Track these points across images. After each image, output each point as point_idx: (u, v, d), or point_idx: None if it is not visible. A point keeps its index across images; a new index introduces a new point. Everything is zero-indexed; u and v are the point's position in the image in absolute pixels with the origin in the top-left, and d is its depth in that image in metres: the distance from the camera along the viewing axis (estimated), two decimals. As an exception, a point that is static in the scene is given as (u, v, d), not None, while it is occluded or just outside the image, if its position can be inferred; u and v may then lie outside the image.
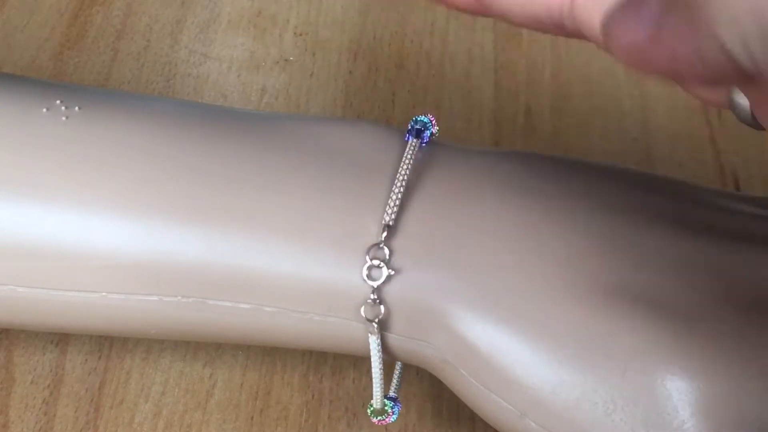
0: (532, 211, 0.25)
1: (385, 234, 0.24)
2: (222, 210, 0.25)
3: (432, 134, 0.27)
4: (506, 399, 0.24)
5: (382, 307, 0.24)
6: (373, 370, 0.26)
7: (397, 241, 0.25)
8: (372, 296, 0.24)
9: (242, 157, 0.25)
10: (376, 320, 0.25)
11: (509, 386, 0.23)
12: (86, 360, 0.31)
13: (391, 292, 0.25)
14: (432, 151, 0.27)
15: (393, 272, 0.24)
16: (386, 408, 0.27)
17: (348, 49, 0.40)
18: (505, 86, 0.39)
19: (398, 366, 0.28)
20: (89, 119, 0.26)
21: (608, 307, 0.23)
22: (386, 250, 0.24)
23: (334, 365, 0.31)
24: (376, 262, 0.24)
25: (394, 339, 0.25)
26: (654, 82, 0.38)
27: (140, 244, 0.25)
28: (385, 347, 0.25)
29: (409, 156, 0.25)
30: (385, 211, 0.24)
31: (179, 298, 0.25)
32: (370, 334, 0.25)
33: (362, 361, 0.30)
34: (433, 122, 0.27)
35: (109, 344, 0.31)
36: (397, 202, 0.24)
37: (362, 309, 0.25)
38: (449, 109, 0.38)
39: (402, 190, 0.25)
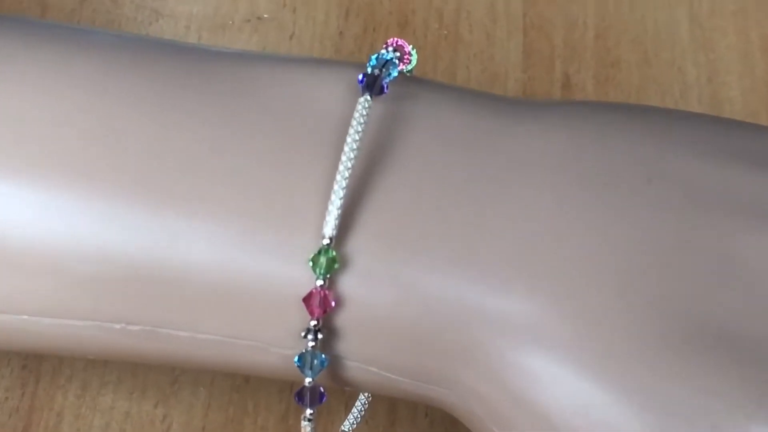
0: (592, 205, 0.24)
1: (330, 233, 0.23)
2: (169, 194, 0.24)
3: (405, 67, 0.26)
4: None
5: (319, 336, 0.24)
6: None
7: (357, 239, 0.24)
8: (312, 323, 0.24)
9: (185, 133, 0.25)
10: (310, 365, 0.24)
11: None
12: (6, 398, 0.31)
13: (365, 311, 0.24)
14: (412, 95, 0.26)
15: (354, 286, 0.24)
16: None
17: (338, 3, 0.40)
18: (537, 51, 0.39)
19: (362, 398, 0.28)
20: None
21: (697, 353, 0.23)
22: (332, 257, 0.23)
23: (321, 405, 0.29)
24: (323, 274, 0.24)
25: (392, 380, 0.25)
26: (729, 45, 0.38)
27: (62, 246, 0.24)
28: (381, 388, 0.25)
29: (358, 119, 0.24)
30: (330, 198, 0.23)
31: (123, 324, 0.25)
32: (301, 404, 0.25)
33: (355, 397, 0.30)
34: (406, 52, 0.26)
35: (35, 378, 0.31)
36: (344, 185, 0.23)
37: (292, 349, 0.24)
38: (466, 81, 0.38)
39: (350, 167, 0.24)
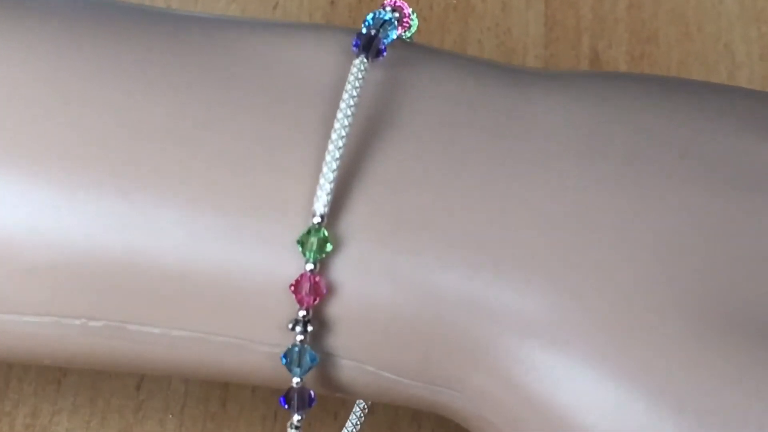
0: (619, 185, 0.24)
1: (321, 210, 0.23)
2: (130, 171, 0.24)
3: (404, 33, 0.26)
4: None
5: (308, 329, 0.23)
6: None
7: (351, 220, 0.23)
8: (301, 313, 0.23)
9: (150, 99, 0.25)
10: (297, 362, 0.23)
11: None
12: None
13: (361, 305, 0.23)
14: (413, 62, 0.25)
15: (348, 273, 0.23)
16: None
17: (330, -32, 0.40)
18: (560, 23, 0.38)
19: (358, 406, 0.28)
20: None
21: (737, 349, 0.23)
22: (324, 237, 0.23)
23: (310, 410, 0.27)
24: (314, 257, 0.23)
25: (391, 380, 0.24)
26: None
27: (16, 232, 0.24)
28: (380, 392, 0.25)
29: (353, 83, 0.24)
30: (321, 172, 0.23)
31: (84, 320, 0.24)
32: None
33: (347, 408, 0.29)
34: (406, 14, 0.26)
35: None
36: (336, 155, 0.23)
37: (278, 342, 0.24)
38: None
39: (344, 136, 0.23)
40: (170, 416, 0.30)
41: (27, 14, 0.26)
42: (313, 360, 0.23)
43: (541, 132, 0.25)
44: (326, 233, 0.23)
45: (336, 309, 0.23)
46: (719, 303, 0.23)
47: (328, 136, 0.23)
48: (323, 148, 0.23)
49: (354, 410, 0.28)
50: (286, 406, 0.24)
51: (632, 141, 0.25)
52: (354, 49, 0.24)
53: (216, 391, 0.31)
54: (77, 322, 0.24)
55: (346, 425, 0.28)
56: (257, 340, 0.24)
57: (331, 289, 0.23)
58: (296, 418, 0.24)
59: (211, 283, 0.24)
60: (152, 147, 0.24)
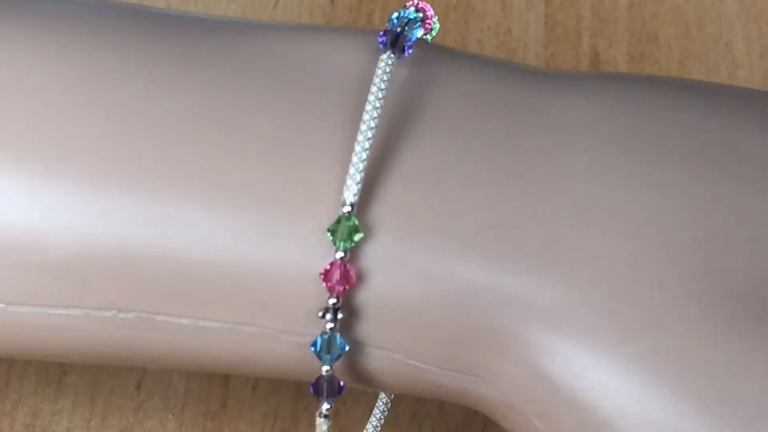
0: (642, 177, 0.24)
1: (351, 199, 0.23)
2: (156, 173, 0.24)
3: (425, 36, 0.26)
4: None
5: (337, 316, 0.23)
6: None
7: (380, 209, 0.24)
8: (331, 301, 0.23)
9: (178, 96, 0.25)
10: (327, 350, 0.24)
11: None
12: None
13: (392, 291, 0.23)
14: (436, 60, 0.26)
15: (378, 262, 0.23)
16: None
17: (330, -33, 0.40)
18: (561, 23, 0.39)
19: (381, 401, 0.28)
20: None
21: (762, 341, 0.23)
22: (354, 226, 0.23)
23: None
24: (344, 245, 0.23)
25: (419, 369, 0.24)
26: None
27: (46, 227, 0.24)
28: (407, 382, 0.25)
29: (381, 77, 0.24)
30: (351, 162, 0.23)
31: (114, 312, 0.24)
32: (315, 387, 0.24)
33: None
34: (429, 15, 0.26)
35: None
36: (366, 146, 0.23)
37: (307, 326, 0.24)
38: (479, 57, 0.38)
39: (373, 127, 0.24)
40: (170, 416, 0.30)
41: (49, 18, 0.26)
42: (342, 348, 0.23)
43: (566, 126, 0.25)
44: (356, 222, 0.23)
45: (365, 297, 0.23)
46: (740, 292, 0.23)
47: (356, 130, 0.24)
48: (352, 141, 0.24)
49: (377, 405, 0.28)
50: (316, 396, 0.24)
51: (653, 135, 0.25)
52: (380, 46, 0.25)
53: (216, 390, 0.31)
54: (107, 314, 0.24)
55: (370, 420, 0.28)
56: (286, 329, 0.24)
57: (360, 277, 0.23)
58: (325, 406, 0.24)
59: (239, 273, 0.24)
60: (180, 143, 0.24)
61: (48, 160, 0.24)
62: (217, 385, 0.31)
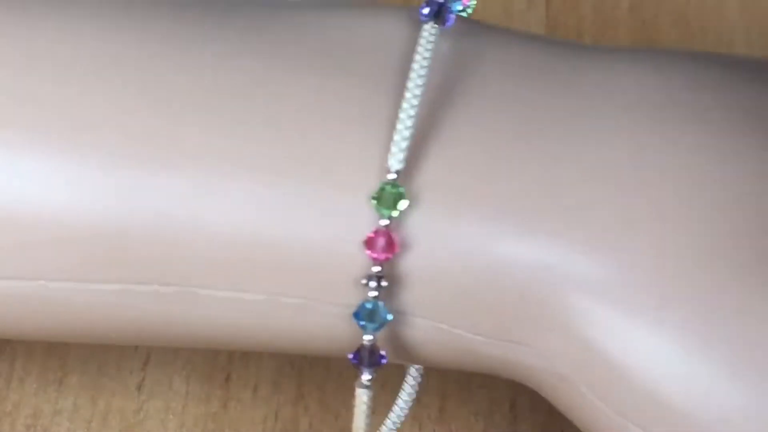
0: (689, 145, 0.24)
1: (396, 166, 0.23)
2: (183, 148, 0.24)
3: (464, 10, 0.26)
4: None
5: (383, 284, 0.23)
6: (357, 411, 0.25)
7: (424, 178, 0.24)
8: (374, 269, 0.23)
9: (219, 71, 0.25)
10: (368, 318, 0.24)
11: (662, 416, 0.23)
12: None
13: (434, 261, 0.23)
14: (476, 32, 0.26)
15: (423, 230, 0.23)
16: None
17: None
18: (561, 24, 0.39)
19: (412, 378, 0.27)
20: None
21: None
22: (399, 193, 0.23)
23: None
24: (389, 212, 0.23)
25: (463, 338, 0.24)
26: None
27: (86, 201, 0.24)
28: (451, 353, 0.25)
29: (425, 45, 0.24)
30: (395, 129, 0.23)
31: (155, 286, 0.24)
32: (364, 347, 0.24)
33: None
34: None
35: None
36: (411, 113, 0.23)
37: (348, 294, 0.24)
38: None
39: (419, 95, 0.24)
40: (171, 417, 0.30)
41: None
42: (385, 316, 0.23)
43: (611, 96, 0.25)
44: (401, 189, 0.23)
45: (409, 266, 0.23)
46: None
47: (399, 100, 0.24)
48: (396, 111, 0.24)
49: (406, 380, 0.27)
50: (357, 366, 0.24)
51: (700, 104, 0.25)
52: (422, 18, 0.25)
53: (217, 391, 0.31)
54: (148, 288, 0.24)
55: (401, 395, 0.27)
56: (328, 300, 0.24)
57: (404, 246, 0.23)
58: (366, 377, 0.24)
59: (282, 242, 0.24)
60: (221, 114, 0.24)
61: (82, 136, 0.24)
62: (218, 386, 0.31)
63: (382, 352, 0.24)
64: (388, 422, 0.27)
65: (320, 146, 0.24)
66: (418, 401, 0.31)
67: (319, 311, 0.24)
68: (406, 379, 0.27)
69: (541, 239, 0.23)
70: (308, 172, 0.24)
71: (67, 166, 0.24)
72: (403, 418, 0.27)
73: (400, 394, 0.27)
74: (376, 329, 0.23)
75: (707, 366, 0.23)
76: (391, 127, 0.23)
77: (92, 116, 0.24)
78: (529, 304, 0.24)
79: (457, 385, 0.31)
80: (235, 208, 0.24)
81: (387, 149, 0.23)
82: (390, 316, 0.23)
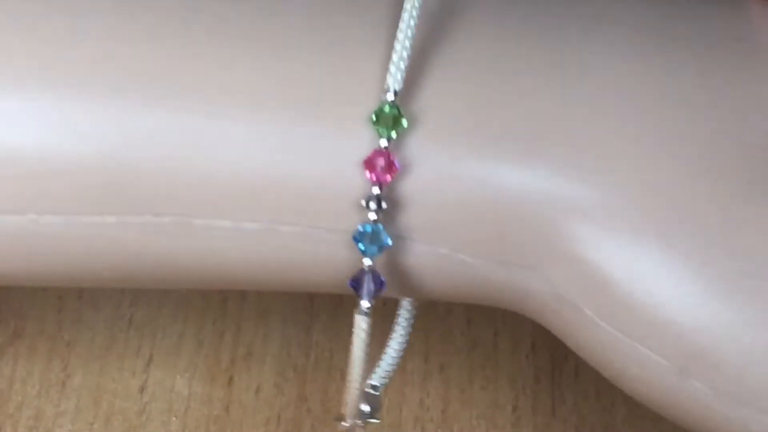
0: (681, 71, 0.24)
1: (395, 86, 0.23)
2: (187, 80, 0.24)
3: None
4: (659, 350, 0.23)
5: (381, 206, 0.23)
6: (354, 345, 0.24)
7: (422, 102, 0.23)
8: (374, 190, 0.23)
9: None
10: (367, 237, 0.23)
11: (665, 332, 0.23)
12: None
13: (437, 186, 0.23)
14: None
15: (419, 153, 0.23)
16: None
17: None
18: None
19: (402, 321, 0.27)
20: None
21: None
22: (398, 113, 0.23)
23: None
24: (388, 133, 0.23)
25: (465, 263, 0.24)
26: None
27: (80, 132, 0.24)
28: (452, 280, 0.24)
29: None
30: (393, 49, 0.23)
31: (149, 216, 0.24)
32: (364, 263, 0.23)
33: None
34: None
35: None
36: (409, 34, 0.23)
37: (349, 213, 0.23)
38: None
39: (416, 17, 0.23)
40: (174, 418, 0.30)
41: None
42: (386, 240, 0.23)
43: (607, 25, 0.25)
44: (400, 109, 0.23)
45: (408, 189, 0.23)
46: (760, 169, 0.24)
47: (397, 24, 0.23)
48: (393, 35, 0.23)
49: (401, 313, 0.27)
50: (357, 292, 0.24)
51: (694, 28, 0.25)
52: None
53: (219, 393, 0.31)
54: (142, 219, 0.24)
55: (395, 329, 0.27)
56: (328, 226, 0.23)
57: (404, 167, 0.23)
58: (366, 305, 0.23)
59: (281, 168, 0.23)
60: (216, 44, 0.24)
61: (77, 69, 0.24)
62: (220, 387, 0.31)
63: (382, 277, 0.23)
64: (382, 363, 0.27)
65: (318, 70, 0.24)
66: (420, 403, 0.31)
67: (319, 239, 0.24)
68: (398, 315, 0.27)
69: (533, 167, 0.23)
70: (307, 95, 0.23)
71: (63, 99, 0.24)
72: (398, 359, 0.27)
73: (391, 335, 0.27)
74: (376, 253, 0.23)
75: (704, 283, 0.23)
76: (389, 52, 0.23)
77: (87, 49, 0.24)
78: (530, 227, 0.23)
79: (459, 387, 0.31)
80: (232, 134, 0.23)
81: (386, 72, 0.23)
82: (390, 241, 0.23)
